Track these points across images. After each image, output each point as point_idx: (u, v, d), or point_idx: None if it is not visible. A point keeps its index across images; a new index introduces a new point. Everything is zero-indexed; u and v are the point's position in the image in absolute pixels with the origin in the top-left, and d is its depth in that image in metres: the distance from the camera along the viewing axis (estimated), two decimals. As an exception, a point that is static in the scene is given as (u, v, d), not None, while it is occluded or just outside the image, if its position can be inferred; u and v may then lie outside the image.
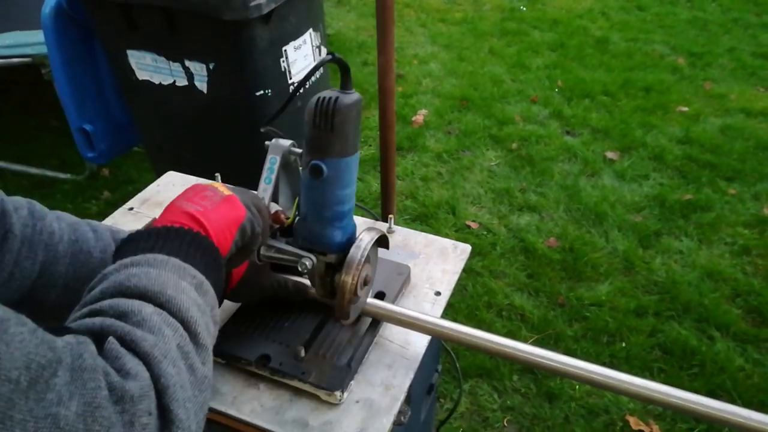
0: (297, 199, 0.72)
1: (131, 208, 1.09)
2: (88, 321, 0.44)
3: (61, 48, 1.94)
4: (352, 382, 0.76)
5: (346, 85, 0.63)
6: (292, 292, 0.81)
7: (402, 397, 0.75)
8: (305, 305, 0.83)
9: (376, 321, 0.82)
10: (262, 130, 0.70)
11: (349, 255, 0.67)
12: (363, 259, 0.67)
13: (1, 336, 0.34)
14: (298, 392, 0.75)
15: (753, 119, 2.93)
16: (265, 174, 0.72)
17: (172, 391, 0.42)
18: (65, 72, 1.98)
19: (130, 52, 1.77)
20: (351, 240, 0.70)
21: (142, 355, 0.42)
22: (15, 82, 3.14)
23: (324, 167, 0.64)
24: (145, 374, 0.41)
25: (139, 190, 1.15)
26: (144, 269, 0.48)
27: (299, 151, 0.71)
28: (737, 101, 3.06)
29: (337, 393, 0.73)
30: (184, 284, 0.49)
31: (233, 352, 0.77)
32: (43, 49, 2.05)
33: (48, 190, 2.52)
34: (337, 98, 0.62)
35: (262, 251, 0.71)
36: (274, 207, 0.72)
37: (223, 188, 0.61)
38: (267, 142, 0.74)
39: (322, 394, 0.73)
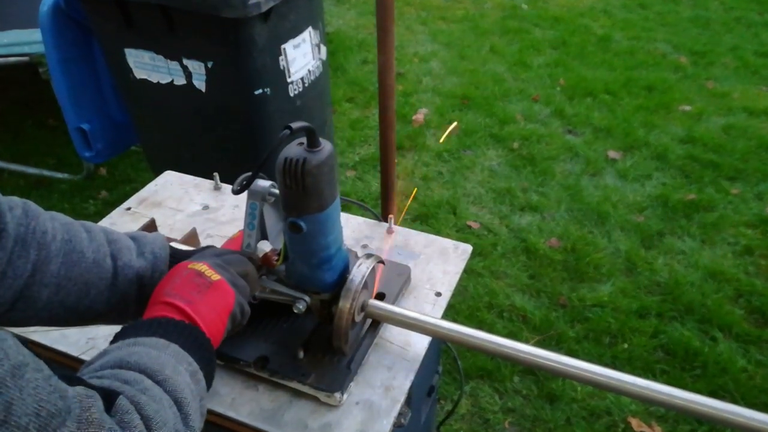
0: (284, 243, 0.72)
1: (129, 208, 1.08)
2: (96, 381, 0.46)
3: (58, 47, 1.93)
4: (351, 384, 0.75)
5: (312, 142, 0.62)
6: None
7: (402, 398, 0.75)
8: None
9: (377, 322, 0.81)
10: (234, 190, 0.68)
11: (343, 292, 0.69)
12: (356, 299, 0.69)
13: (16, 381, 0.35)
14: (297, 394, 0.75)
15: (756, 118, 2.91)
16: (247, 220, 0.72)
17: None
18: (63, 71, 1.97)
19: (127, 51, 1.76)
20: (344, 273, 0.72)
21: (146, 418, 0.45)
22: (12, 81, 3.13)
23: (302, 224, 0.65)
24: None
25: (137, 190, 1.14)
26: (145, 349, 0.52)
27: (277, 192, 0.70)
28: (740, 100, 3.05)
29: (337, 394, 0.72)
30: (181, 369, 0.52)
31: (232, 353, 0.77)
32: (40, 48, 2.04)
33: (45, 190, 2.51)
34: (305, 159, 0.60)
35: (257, 292, 0.72)
36: (263, 248, 0.72)
37: (210, 272, 0.62)
38: (242, 192, 0.72)
39: (321, 395, 0.73)
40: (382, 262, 0.77)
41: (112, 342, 0.56)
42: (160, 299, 0.59)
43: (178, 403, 0.49)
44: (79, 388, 0.41)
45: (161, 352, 0.52)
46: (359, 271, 0.71)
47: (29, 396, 0.35)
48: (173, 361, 0.52)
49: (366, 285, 0.71)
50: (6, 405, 0.33)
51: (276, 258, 0.72)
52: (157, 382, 0.49)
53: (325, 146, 0.63)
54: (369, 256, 0.74)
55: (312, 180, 0.61)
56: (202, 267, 0.62)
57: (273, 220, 0.73)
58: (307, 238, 0.66)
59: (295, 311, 0.70)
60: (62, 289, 0.61)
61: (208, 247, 0.75)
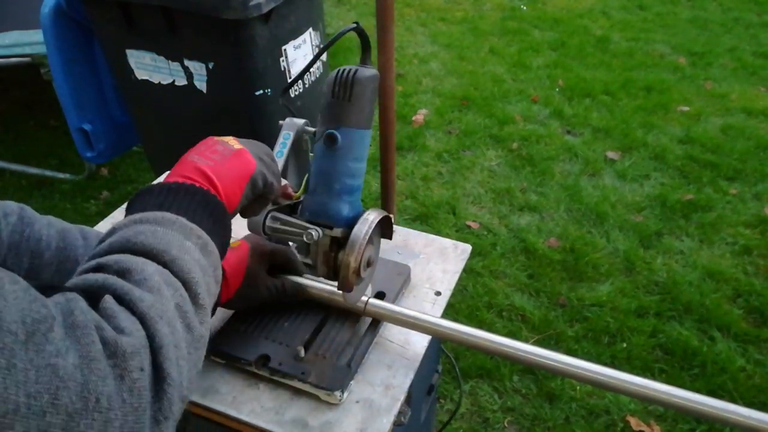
0: (306, 177, 0.72)
1: (130, 208, 1.08)
2: (90, 277, 0.45)
3: (60, 48, 1.93)
4: (352, 382, 0.75)
5: (365, 59, 0.66)
6: (290, 293, 0.81)
7: (402, 397, 0.75)
8: (305, 305, 0.83)
9: (376, 321, 0.82)
10: (280, 102, 0.73)
11: (354, 230, 0.67)
12: (368, 235, 0.67)
13: None
14: (297, 392, 0.75)
15: (754, 119, 2.92)
16: (277, 148, 0.73)
17: (166, 350, 0.42)
18: (64, 72, 1.98)
19: (129, 52, 1.76)
20: (357, 217, 0.70)
21: (139, 314, 0.43)
22: (14, 81, 3.14)
23: (339, 136, 0.66)
24: (140, 333, 0.42)
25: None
26: (152, 227, 0.49)
27: (312, 130, 0.72)
28: (738, 101, 3.05)
29: (337, 393, 0.72)
30: (189, 245, 0.50)
31: (233, 352, 0.77)
32: (42, 49, 2.05)
33: (47, 190, 2.51)
34: (356, 70, 0.65)
35: (268, 222, 0.70)
36: (283, 181, 0.71)
37: (234, 142, 0.61)
38: (281, 122, 0.75)
39: (321, 394, 0.73)
40: (389, 218, 0.74)
41: (126, 209, 0.54)
42: (183, 161, 0.58)
43: (186, 284, 0.47)
44: (57, 296, 0.40)
45: (167, 228, 0.49)
46: (366, 220, 0.69)
47: (12, 306, 0.35)
48: (181, 237, 0.49)
49: (372, 240, 0.70)
50: None
51: (295, 190, 0.72)
52: (163, 264, 0.47)
53: (374, 69, 0.67)
54: (375, 209, 0.72)
55: (360, 90, 0.64)
56: (225, 137, 0.61)
57: (294, 167, 0.74)
58: (339, 154, 0.67)
59: (306, 240, 0.67)
60: None
61: None
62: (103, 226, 1.04)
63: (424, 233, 1.01)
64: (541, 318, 1.89)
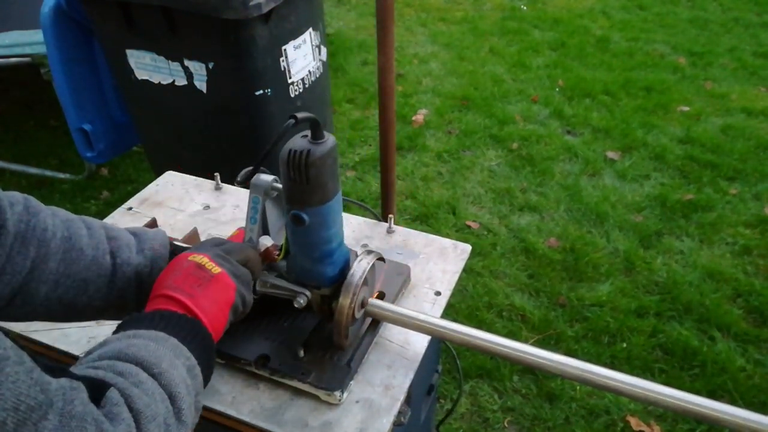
0: (285, 238, 0.72)
1: (130, 208, 1.08)
2: (92, 371, 0.47)
3: (60, 47, 1.93)
4: (351, 382, 0.75)
5: (317, 134, 0.62)
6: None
7: (402, 397, 0.75)
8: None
9: (376, 321, 0.82)
10: (237, 181, 0.69)
11: (343, 289, 0.69)
12: (355, 298, 0.69)
13: None
14: (297, 392, 0.75)
15: (754, 119, 2.92)
16: (250, 214, 0.72)
17: None
18: (64, 71, 1.98)
19: (129, 52, 1.76)
20: (344, 269, 0.72)
21: (135, 411, 0.45)
22: (14, 81, 3.14)
23: (305, 216, 0.65)
24: (129, 425, 0.44)
25: (138, 190, 1.14)
26: (144, 341, 0.52)
27: (279, 185, 0.71)
28: (738, 101, 3.05)
29: (337, 393, 0.72)
30: (178, 363, 0.52)
31: (233, 352, 0.77)
32: (42, 49, 2.05)
33: (47, 190, 2.51)
34: (309, 151, 0.61)
35: (258, 287, 0.72)
36: (265, 243, 0.72)
37: (209, 263, 0.62)
38: (249, 186, 0.73)
39: (321, 394, 0.73)
40: (382, 259, 0.77)
41: (114, 333, 0.56)
42: (160, 292, 0.59)
43: (172, 398, 0.49)
44: (63, 380, 0.41)
45: (159, 345, 0.52)
46: (360, 266, 0.71)
47: (8, 390, 0.35)
48: (171, 354, 0.52)
49: (366, 281, 0.72)
50: None
51: (277, 253, 0.72)
52: (152, 375, 0.49)
53: (329, 139, 0.63)
54: (369, 252, 0.74)
55: (316, 172, 0.62)
56: (202, 259, 0.62)
57: (275, 216, 0.74)
58: (310, 230, 0.67)
59: (296, 306, 0.71)
60: (60, 286, 0.61)
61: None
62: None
63: (423, 233, 1.01)
64: (541, 318, 1.89)
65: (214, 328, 0.60)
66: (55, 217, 0.62)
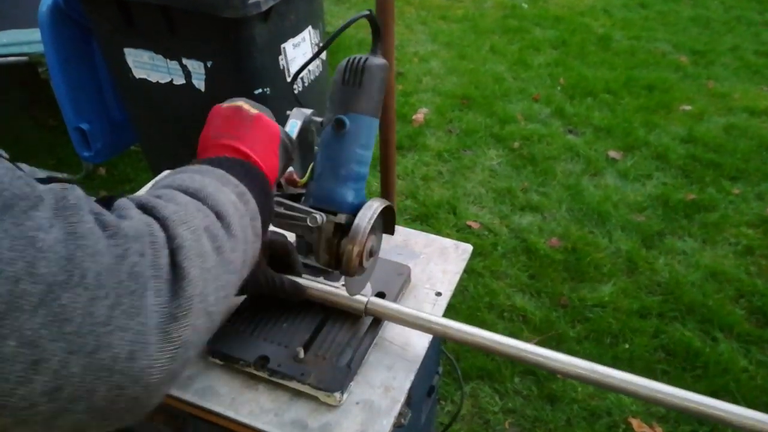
0: (311, 165, 0.71)
1: (127, 207, 1.07)
2: (137, 199, 0.44)
3: (57, 46, 1.92)
4: (351, 384, 0.75)
5: (376, 49, 0.68)
6: (289, 291, 0.80)
7: (402, 398, 0.74)
8: (304, 306, 0.82)
9: (376, 321, 0.81)
10: (293, 89, 0.74)
11: (359, 215, 0.67)
12: (372, 221, 0.67)
13: None
14: (297, 394, 0.74)
15: (757, 118, 2.91)
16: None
17: (187, 251, 0.40)
18: (62, 71, 1.97)
19: (127, 51, 1.76)
20: (361, 205, 0.70)
21: (160, 218, 0.41)
22: (11, 80, 3.13)
23: (347, 121, 0.66)
24: (152, 227, 0.40)
25: (136, 189, 1.13)
26: (189, 174, 0.49)
27: (319, 119, 0.72)
28: (741, 100, 3.04)
29: (337, 394, 0.72)
30: (226, 189, 0.49)
31: (231, 353, 0.76)
32: (39, 48, 2.04)
33: (46, 190, 2.51)
34: (367, 58, 0.67)
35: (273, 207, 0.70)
36: (288, 168, 0.71)
37: (246, 105, 0.59)
38: (288, 112, 0.74)
39: (321, 395, 0.72)
40: (390, 207, 0.74)
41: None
42: (207, 144, 0.56)
43: (219, 215, 0.46)
44: (54, 184, 0.38)
45: (205, 176, 0.48)
46: (369, 208, 0.69)
47: None
48: (217, 183, 0.48)
49: (374, 229, 0.69)
50: None
51: (299, 178, 0.72)
52: (193, 196, 0.45)
53: (384, 59, 0.68)
54: (377, 199, 0.72)
55: (369, 77, 0.66)
56: (237, 103, 0.59)
57: (299, 156, 0.73)
58: (347, 140, 0.67)
59: (310, 223, 0.67)
60: None
61: None
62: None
63: (424, 233, 1.00)
64: (542, 319, 1.87)
65: (267, 167, 0.57)
66: None
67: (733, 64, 3.40)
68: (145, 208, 0.41)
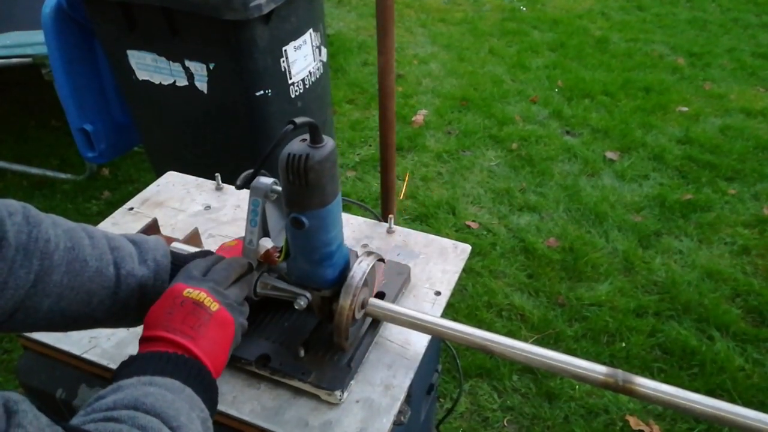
0: (284, 242, 0.72)
1: (131, 208, 1.09)
2: (113, 425, 0.46)
3: (61, 48, 1.94)
4: (352, 382, 0.75)
5: (315, 139, 0.62)
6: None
7: (402, 396, 0.75)
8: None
9: (377, 321, 0.82)
10: (237, 185, 0.68)
11: (343, 289, 0.70)
12: (356, 295, 0.70)
13: None
14: (298, 392, 0.75)
15: (753, 119, 2.93)
16: (250, 216, 0.72)
17: None
18: (65, 72, 1.98)
19: (130, 52, 1.77)
20: (344, 270, 0.73)
21: None
22: (15, 82, 3.14)
23: (305, 220, 0.65)
24: None
25: (139, 190, 1.15)
26: (161, 391, 0.51)
27: (279, 188, 0.70)
28: (737, 101, 3.06)
29: (337, 393, 0.73)
30: (194, 416, 0.52)
31: (233, 352, 0.77)
32: (43, 49, 2.05)
33: (48, 190, 2.52)
34: (308, 155, 0.61)
35: (258, 288, 0.72)
36: (265, 245, 0.72)
37: (209, 300, 0.61)
38: (248, 189, 0.73)
39: (322, 393, 0.73)
40: (382, 260, 0.77)
41: (116, 373, 0.55)
42: (159, 333, 0.57)
43: None
44: None
45: (176, 396, 0.51)
46: (360, 267, 0.71)
47: None
48: (187, 407, 0.52)
49: (366, 282, 0.72)
50: None
51: (277, 255, 0.72)
52: (172, 429, 0.48)
53: (328, 142, 0.63)
54: (369, 253, 0.75)
55: (315, 175, 0.62)
56: (199, 295, 0.60)
57: (275, 218, 0.74)
58: (309, 233, 0.67)
59: (296, 307, 0.71)
60: (64, 299, 0.59)
61: (199, 252, 0.75)
62: (104, 226, 1.04)
63: (423, 233, 1.01)
64: (540, 317, 1.89)
65: (217, 370, 0.59)
66: (56, 227, 0.60)
67: (729, 65, 3.42)
68: None
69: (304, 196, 0.64)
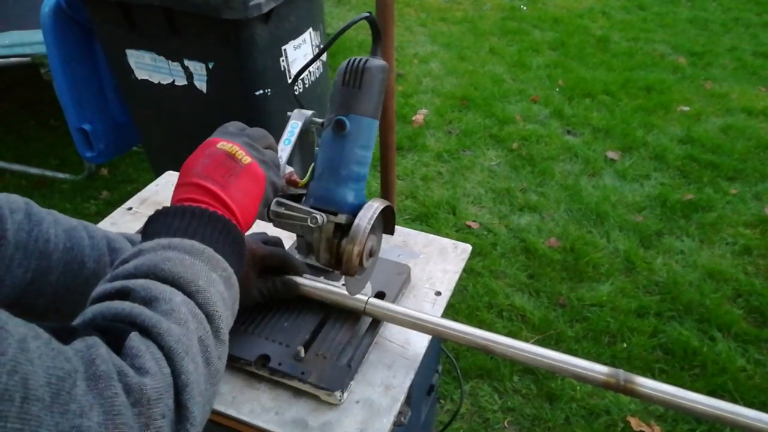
0: (312, 165, 0.72)
1: (130, 208, 1.08)
2: (116, 305, 0.44)
3: (60, 47, 1.93)
4: (352, 383, 0.75)
5: (376, 51, 0.69)
6: (282, 291, 0.80)
7: (402, 397, 0.75)
8: (305, 305, 0.83)
9: (376, 321, 0.81)
10: (288, 114, 0.73)
11: (359, 216, 0.67)
12: (372, 221, 0.67)
13: (24, 354, 0.34)
14: (297, 392, 0.75)
15: (754, 119, 2.92)
16: (285, 136, 0.73)
17: (191, 388, 0.42)
18: (64, 71, 1.98)
19: (129, 52, 1.76)
20: (361, 206, 0.70)
21: (166, 349, 0.42)
22: (14, 81, 3.14)
23: (347, 122, 0.67)
24: (165, 371, 0.42)
25: (138, 190, 1.14)
26: (180, 255, 0.49)
27: (320, 121, 0.72)
28: (738, 101, 3.05)
29: (337, 393, 0.72)
30: (215, 277, 0.50)
31: (232, 352, 0.76)
32: (42, 49, 2.05)
33: (47, 190, 2.51)
34: (367, 60, 0.68)
35: (273, 208, 0.69)
36: (288, 168, 0.71)
37: (240, 152, 0.59)
38: (288, 113, 0.75)
39: (321, 394, 0.73)
40: (390, 208, 0.74)
41: (144, 227, 0.53)
42: (190, 180, 0.56)
43: (210, 317, 0.47)
44: (77, 343, 0.39)
45: (195, 258, 0.49)
46: (373, 204, 0.70)
47: (39, 367, 0.35)
48: (207, 268, 0.50)
49: (374, 229, 0.70)
50: (23, 381, 0.33)
51: (299, 179, 0.72)
52: (189, 294, 0.47)
53: (384, 62, 0.69)
54: (377, 199, 0.72)
55: (369, 78, 0.66)
56: (232, 148, 0.59)
57: (299, 157, 0.74)
58: (348, 139, 0.67)
59: (311, 224, 0.67)
60: (59, 299, 0.59)
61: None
62: (103, 226, 1.04)
63: (424, 233, 1.01)
64: (541, 318, 1.88)
65: (246, 222, 0.58)
66: (57, 226, 0.60)
67: (730, 65, 3.41)
68: (149, 333, 0.43)
69: (353, 97, 0.67)
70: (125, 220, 1.05)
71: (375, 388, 0.75)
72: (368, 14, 0.67)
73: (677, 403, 0.65)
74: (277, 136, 0.75)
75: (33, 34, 2.21)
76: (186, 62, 1.68)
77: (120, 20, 1.68)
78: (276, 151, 0.68)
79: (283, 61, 1.72)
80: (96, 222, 1.00)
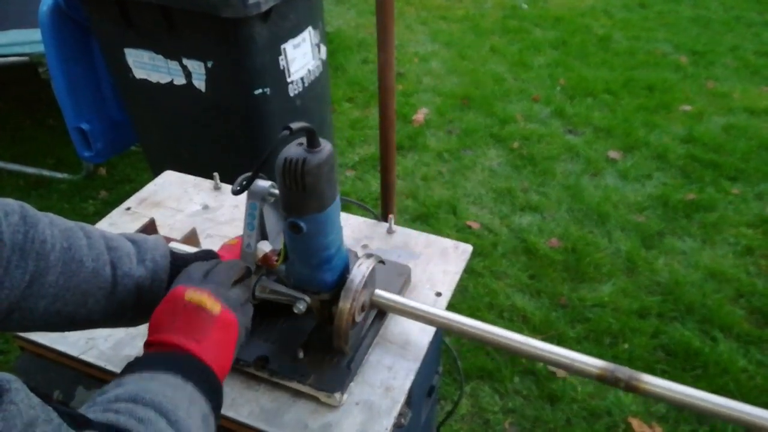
0: (282, 246, 0.72)
1: (128, 208, 1.08)
2: (111, 416, 0.47)
3: (58, 46, 1.93)
4: (351, 384, 0.75)
5: (312, 143, 0.61)
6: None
7: (402, 398, 0.74)
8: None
9: (377, 322, 0.81)
10: (234, 190, 0.67)
11: (343, 292, 0.69)
12: (356, 299, 0.69)
13: None
14: (297, 394, 0.74)
15: (756, 118, 2.91)
16: (247, 220, 0.71)
17: None
18: (62, 70, 1.97)
19: (127, 51, 1.76)
20: (343, 273, 0.72)
21: None
22: (12, 80, 3.13)
23: (302, 224, 0.64)
24: None
25: (137, 190, 1.13)
26: (161, 386, 0.52)
27: (276, 192, 0.70)
28: (740, 100, 3.04)
29: (337, 395, 0.72)
30: (193, 411, 0.53)
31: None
32: (40, 48, 2.04)
33: (44, 190, 2.51)
34: (304, 159, 0.60)
35: (257, 293, 0.71)
36: (263, 248, 0.71)
37: (210, 301, 0.60)
38: (237, 187, 0.71)
39: (321, 395, 0.73)
40: (382, 261, 0.77)
41: (122, 372, 0.55)
42: (163, 338, 0.58)
43: None
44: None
45: (176, 391, 0.52)
46: (359, 270, 0.70)
47: None
48: (187, 402, 0.52)
49: (366, 285, 0.71)
50: None
51: (276, 258, 0.72)
52: (170, 423, 0.49)
53: (325, 146, 0.62)
54: (369, 255, 0.74)
55: (312, 180, 0.61)
56: (201, 297, 0.60)
57: (273, 221, 0.73)
58: (307, 238, 0.66)
59: (295, 311, 0.70)
60: (59, 299, 0.59)
61: (201, 252, 0.74)
62: (101, 226, 1.03)
63: (424, 233, 1.00)
64: (542, 319, 1.88)
65: (222, 372, 0.60)
66: (53, 227, 0.60)
67: (732, 64, 3.40)
68: None
69: (301, 201, 0.63)
70: (124, 220, 1.04)
71: (375, 390, 0.75)
72: (289, 129, 0.57)
73: (680, 399, 0.65)
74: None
75: (31, 33, 2.21)
76: (184, 61, 1.68)
77: (118, 18, 1.67)
78: (249, 274, 0.69)
79: (282, 60, 1.71)
80: (94, 222, 0.99)
